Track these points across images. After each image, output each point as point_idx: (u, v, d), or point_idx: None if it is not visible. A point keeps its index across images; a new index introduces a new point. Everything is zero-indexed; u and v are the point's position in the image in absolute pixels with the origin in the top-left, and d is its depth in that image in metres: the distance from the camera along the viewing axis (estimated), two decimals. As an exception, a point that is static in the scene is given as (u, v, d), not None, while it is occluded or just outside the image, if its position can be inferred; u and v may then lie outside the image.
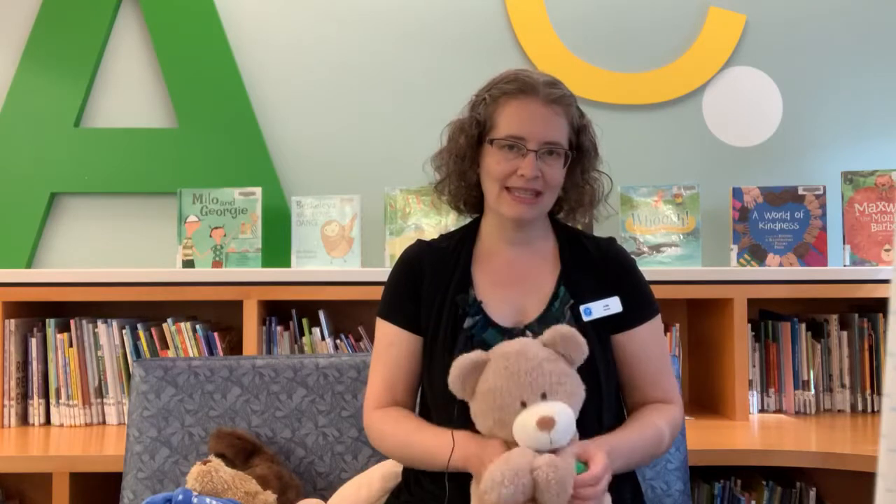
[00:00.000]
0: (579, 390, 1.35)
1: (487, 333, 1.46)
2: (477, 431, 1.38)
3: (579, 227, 1.64)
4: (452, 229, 1.66)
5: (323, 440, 1.80)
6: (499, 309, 1.49)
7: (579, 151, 1.52)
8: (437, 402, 1.47)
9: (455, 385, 1.35)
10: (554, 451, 1.28)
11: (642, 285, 1.56)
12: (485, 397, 1.33)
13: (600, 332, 1.48)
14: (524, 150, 1.45)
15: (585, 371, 1.39)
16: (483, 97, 1.51)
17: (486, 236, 1.58)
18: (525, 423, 1.28)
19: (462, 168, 1.54)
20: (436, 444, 1.40)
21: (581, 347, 1.35)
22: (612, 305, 1.49)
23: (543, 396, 1.31)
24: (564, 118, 1.48)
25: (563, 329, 1.36)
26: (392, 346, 1.53)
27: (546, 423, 1.26)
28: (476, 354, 1.35)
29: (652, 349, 1.52)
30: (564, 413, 1.29)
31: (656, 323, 1.54)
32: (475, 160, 1.52)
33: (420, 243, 1.61)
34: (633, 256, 1.63)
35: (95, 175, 2.60)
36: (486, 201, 1.54)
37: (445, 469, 1.38)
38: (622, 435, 1.43)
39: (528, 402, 1.30)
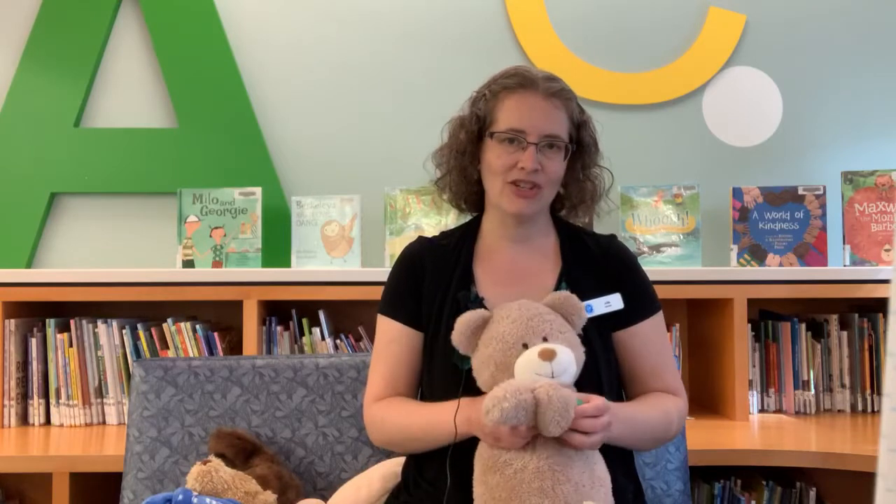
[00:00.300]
0: (579, 349, 1.37)
1: None
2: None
3: (580, 223, 1.64)
4: (453, 227, 1.66)
5: (323, 440, 1.80)
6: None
7: (579, 146, 1.53)
8: (437, 398, 1.47)
9: (459, 339, 1.37)
10: None
11: (644, 282, 1.56)
12: (487, 344, 1.35)
13: (601, 329, 1.48)
14: (524, 143, 1.45)
15: (586, 367, 1.40)
16: (483, 93, 1.52)
17: (487, 234, 1.58)
18: (527, 357, 1.31)
19: (463, 164, 1.54)
20: (436, 414, 1.41)
21: (580, 309, 1.39)
22: (613, 302, 1.49)
23: (545, 340, 1.33)
24: (564, 112, 1.48)
25: (562, 293, 1.41)
26: (393, 342, 1.53)
27: (547, 354, 1.29)
28: (480, 311, 1.39)
29: (654, 345, 1.53)
30: (565, 350, 1.31)
31: (658, 319, 1.55)
32: (476, 156, 1.53)
33: (421, 240, 1.61)
34: (633, 253, 1.63)
35: (95, 175, 2.60)
36: (488, 197, 1.55)
37: (451, 439, 1.38)
38: (625, 404, 1.45)
39: (529, 344, 1.33)
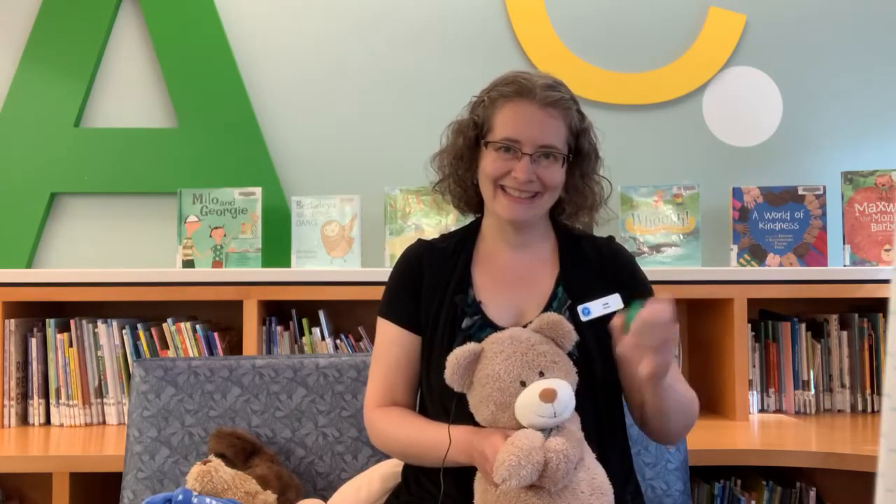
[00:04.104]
0: (573, 372, 1.38)
1: (485, 333, 1.46)
2: (476, 425, 1.38)
3: (580, 227, 1.64)
4: (453, 229, 1.66)
5: (323, 440, 1.80)
6: (497, 309, 1.49)
7: (578, 155, 1.52)
8: (434, 401, 1.48)
9: (452, 378, 1.36)
10: (557, 428, 1.30)
11: (644, 280, 1.56)
12: (483, 384, 1.35)
13: (599, 330, 1.47)
14: (519, 154, 1.45)
15: (581, 366, 1.40)
16: (482, 99, 1.52)
17: (486, 237, 1.58)
18: (528, 398, 1.30)
19: (460, 169, 1.55)
20: (438, 440, 1.40)
21: (569, 333, 1.38)
22: (612, 303, 1.48)
23: (541, 375, 1.33)
24: (562, 121, 1.47)
25: (551, 316, 1.39)
26: (392, 345, 1.53)
27: (549, 395, 1.29)
28: (470, 346, 1.37)
29: None
30: (564, 386, 1.31)
31: None
32: (473, 161, 1.53)
33: (421, 243, 1.61)
34: (631, 253, 1.63)
35: (95, 175, 2.60)
36: (485, 202, 1.55)
37: (450, 464, 1.38)
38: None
39: (527, 382, 1.32)
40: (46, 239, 2.62)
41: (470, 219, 1.65)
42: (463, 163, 1.54)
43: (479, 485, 1.36)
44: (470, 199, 1.59)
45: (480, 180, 1.52)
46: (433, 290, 1.52)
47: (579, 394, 1.36)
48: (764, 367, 2.40)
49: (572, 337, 1.39)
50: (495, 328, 1.46)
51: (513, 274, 1.53)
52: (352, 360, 1.85)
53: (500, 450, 1.27)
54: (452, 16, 2.65)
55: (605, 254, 1.55)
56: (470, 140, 1.52)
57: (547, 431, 1.30)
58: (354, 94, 2.65)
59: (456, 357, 1.36)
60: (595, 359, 1.46)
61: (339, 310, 2.46)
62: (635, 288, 1.52)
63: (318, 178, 2.61)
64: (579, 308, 1.48)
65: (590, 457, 1.35)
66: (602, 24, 2.66)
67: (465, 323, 1.47)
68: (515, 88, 1.47)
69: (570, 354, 1.40)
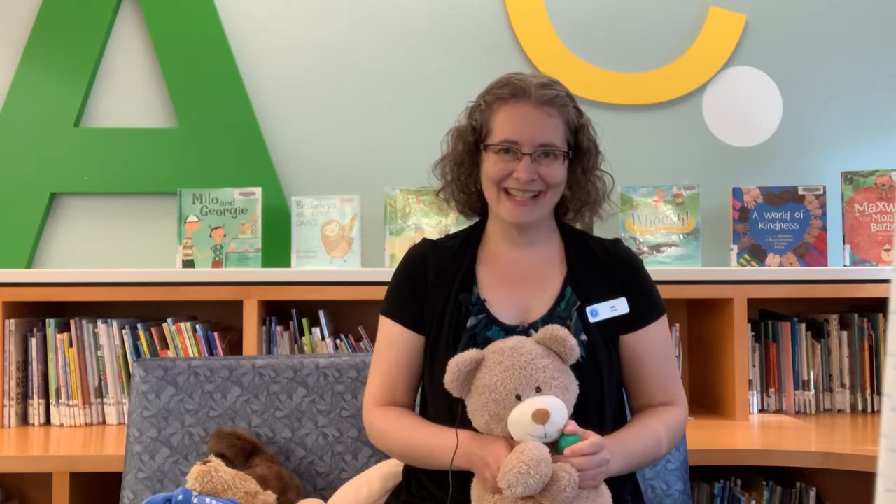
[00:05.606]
0: (573, 387, 1.37)
1: (491, 332, 1.46)
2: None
3: (578, 225, 1.65)
4: (454, 229, 1.66)
5: (323, 440, 1.80)
6: (503, 308, 1.49)
7: (578, 151, 1.52)
8: (438, 401, 1.48)
9: (452, 384, 1.36)
10: (548, 445, 1.30)
11: (649, 286, 1.56)
12: (480, 393, 1.34)
13: (606, 333, 1.48)
14: (519, 154, 1.45)
15: (589, 367, 1.40)
16: (479, 103, 1.53)
17: (491, 237, 1.58)
18: (521, 416, 1.30)
19: (462, 174, 1.55)
20: (438, 443, 1.41)
21: (573, 350, 1.36)
22: (618, 306, 1.49)
23: (538, 390, 1.32)
24: (559, 118, 1.48)
25: (557, 330, 1.37)
26: (393, 344, 1.53)
27: (541, 416, 1.28)
28: (471, 353, 1.37)
29: (658, 350, 1.53)
30: (558, 407, 1.31)
31: (662, 323, 1.55)
32: (474, 166, 1.53)
33: (426, 242, 1.61)
34: (639, 257, 1.63)
35: (95, 175, 2.60)
36: (489, 205, 1.55)
37: (449, 468, 1.38)
38: (620, 436, 1.44)
39: (522, 396, 1.32)
40: (46, 239, 2.62)
41: (472, 219, 1.65)
42: (464, 168, 1.54)
43: (475, 491, 1.36)
44: (474, 204, 1.60)
45: (483, 184, 1.52)
46: (438, 290, 1.52)
47: (585, 395, 1.37)
48: (764, 367, 2.40)
49: (575, 353, 1.37)
50: (501, 326, 1.47)
51: (518, 272, 1.53)
52: (352, 360, 1.85)
53: (509, 456, 1.27)
54: (452, 16, 2.65)
55: (612, 256, 1.55)
56: (469, 145, 1.52)
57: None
58: (354, 93, 2.65)
59: (457, 364, 1.35)
60: (601, 359, 1.46)
61: (339, 310, 2.46)
62: (642, 294, 1.53)
63: (318, 178, 2.61)
64: (588, 309, 1.48)
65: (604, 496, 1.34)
66: (602, 24, 2.66)
67: (471, 322, 1.48)
68: (511, 90, 1.48)
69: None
